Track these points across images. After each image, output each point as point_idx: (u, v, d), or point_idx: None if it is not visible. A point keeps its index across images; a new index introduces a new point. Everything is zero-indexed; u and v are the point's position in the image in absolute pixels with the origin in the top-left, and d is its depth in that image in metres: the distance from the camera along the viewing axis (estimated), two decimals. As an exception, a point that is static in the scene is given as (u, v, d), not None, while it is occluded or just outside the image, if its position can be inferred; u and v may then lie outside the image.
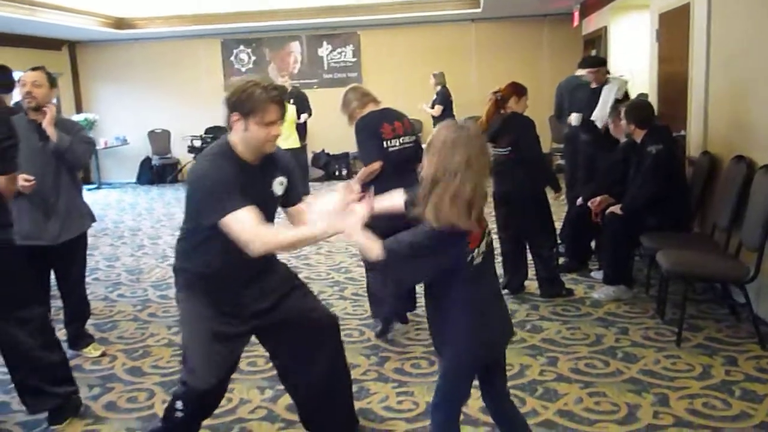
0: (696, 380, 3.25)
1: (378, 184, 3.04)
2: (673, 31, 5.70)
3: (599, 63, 6.02)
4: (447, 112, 9.34)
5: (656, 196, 4.27)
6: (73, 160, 3.69)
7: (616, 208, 4.41)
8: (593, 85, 5.90)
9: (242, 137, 2.35)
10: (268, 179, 2.48)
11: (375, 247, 2.01)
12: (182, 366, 2.50)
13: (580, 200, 4.99)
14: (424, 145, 2.15)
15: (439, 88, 9.52)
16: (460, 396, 2.23)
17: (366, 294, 4.25)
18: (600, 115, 5.38)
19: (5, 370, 3.48)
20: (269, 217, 2.57)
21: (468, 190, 1.93)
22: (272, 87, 2.33)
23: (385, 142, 3.80)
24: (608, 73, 6.03)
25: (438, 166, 1.97)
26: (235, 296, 2.49)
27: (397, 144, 3.83)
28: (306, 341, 2.62)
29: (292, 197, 2.63)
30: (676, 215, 4.42)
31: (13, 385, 3.37)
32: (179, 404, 2.46)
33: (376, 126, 3.83)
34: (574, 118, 6.36)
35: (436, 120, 9.38)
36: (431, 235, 1.98)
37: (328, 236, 2.27)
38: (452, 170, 1.94)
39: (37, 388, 3.01)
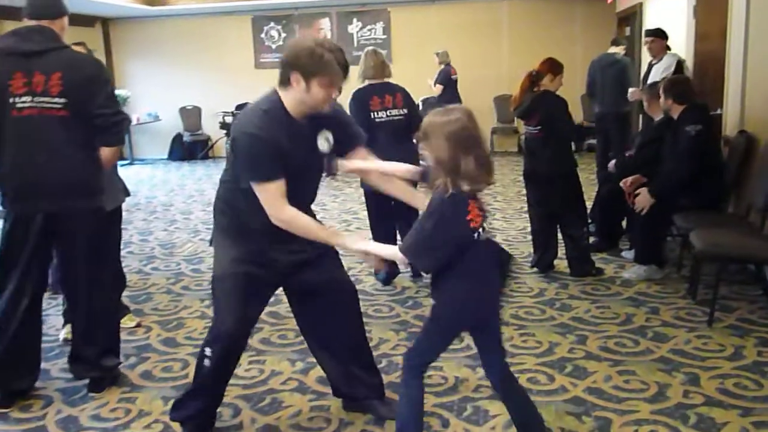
0: (727, 360, 3.23)
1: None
2: (710, 7, 5.57)
3: (653, 33, 5.98)
4: (449, 91, 9.27)
5: (691, 177, 4.22)
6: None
7: (644, 191, 4.33)
8: (654, 62, 5.93)
9: (300, 97, 2.37)
10: (313, 135, 2.50)
11: (394, 251, 2.26)
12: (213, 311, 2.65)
13: (611, 164, 5.02)
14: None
15: (442, 66, 9.46)
16: (428, 351, 2.38)
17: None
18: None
19: (46, 338, 3.60)
20: (314, 176, 2.62)
21: (461, 163, 2.07)
22: (338, 50, 2.36)
23: (372, 113, 4.26)
24: (668, 48, 5.99)
25: (434, 150, 2.11)
26: (269, 247, 2.53)
27: (384, 116, 4.28)
28: (324, 307, 2.71)
29: (351, 139, 2.63)
30: (710, 195, 4.36)
31: (54, 353, 3.50)
32: (207, 350, 2.56)
33: (365, 100, 4.31)
34: (631, 94, 6.43)
35: (439, 98, 9.32)
36: (440, 201, 2.11)
37: (336, 246, 2.53)
38: (444, 149, 2.08)
39: (82, 358, 3.11)
